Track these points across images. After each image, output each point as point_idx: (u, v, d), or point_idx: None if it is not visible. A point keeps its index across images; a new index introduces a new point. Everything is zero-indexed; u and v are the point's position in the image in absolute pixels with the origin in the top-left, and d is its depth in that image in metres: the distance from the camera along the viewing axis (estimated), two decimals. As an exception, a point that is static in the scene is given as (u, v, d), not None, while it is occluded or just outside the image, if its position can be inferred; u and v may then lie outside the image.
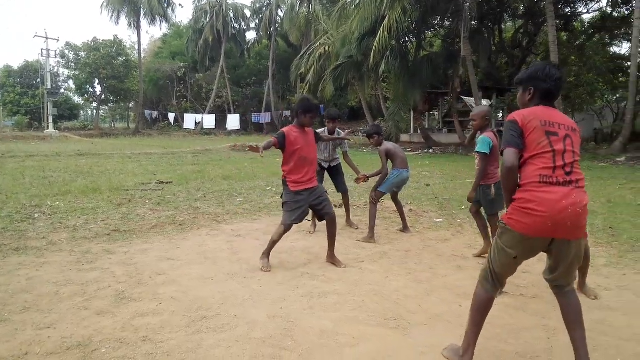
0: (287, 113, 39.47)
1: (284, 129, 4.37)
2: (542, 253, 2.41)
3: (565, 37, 23.43)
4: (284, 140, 4.21)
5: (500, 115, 23.91)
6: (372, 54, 19.04)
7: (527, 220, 2.23)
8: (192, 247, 5.01)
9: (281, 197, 4.46)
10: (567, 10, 23.98)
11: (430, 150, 21.05)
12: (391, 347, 2.76)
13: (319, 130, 6.28)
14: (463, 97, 23.87)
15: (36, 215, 6.37)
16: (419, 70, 22.18)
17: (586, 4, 24.19)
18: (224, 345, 2.75)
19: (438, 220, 6.50)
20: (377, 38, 18.40)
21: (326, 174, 6.10)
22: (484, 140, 4.14)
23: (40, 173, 11.13)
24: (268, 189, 9.09)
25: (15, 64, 45.33)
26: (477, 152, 4.17)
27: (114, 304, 3.35)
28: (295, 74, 33.47)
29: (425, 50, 25.33)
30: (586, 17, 25.57)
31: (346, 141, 6.18)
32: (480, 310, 2.46)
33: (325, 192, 4.65)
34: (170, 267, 4.30)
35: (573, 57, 20.96)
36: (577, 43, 22.69)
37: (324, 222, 4.51)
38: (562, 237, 2.23)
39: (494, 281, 2.42)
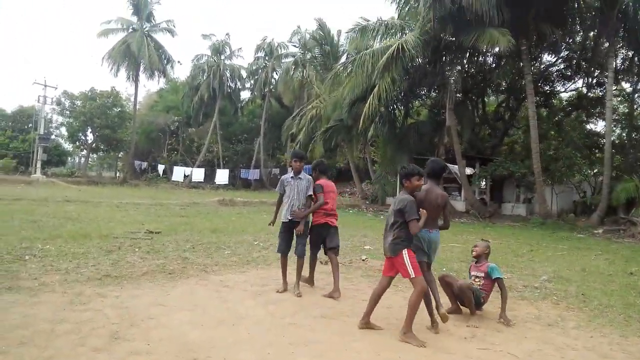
0: (276, 171, 40.08)
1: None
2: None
3: (545, 113, 24.73)
4: None
5: (484, 183, 24.69)
6: (361, 119, 19.83)
7: None
8: (182, 295, 5.16)
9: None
10: (547, 88, 25.58)
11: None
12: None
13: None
14: (448, 165, 24.73)
15: (27, 257, 6.47)
16: (405, 137, 23.16)
17: (563, 84, 25.89)
18: (215, 384, 2.90)
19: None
20: (367, 104, 19.27)
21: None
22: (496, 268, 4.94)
23: (29, 217, 11.19)
24: (255, 243, 9.27)
25: (9, 108, 45.78)
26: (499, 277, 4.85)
27: (108, 343, 3.50)
28: (286, 133, 34.46)
29: (412, 118, 26.51)
30: (564, 95, 27.30)
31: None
32: None
33: None
34: (161, 312, 4.44)
35: (552, 132, 22.02)
36: (556, 119, 23.96)
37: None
38: None
39: None
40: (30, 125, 41.55)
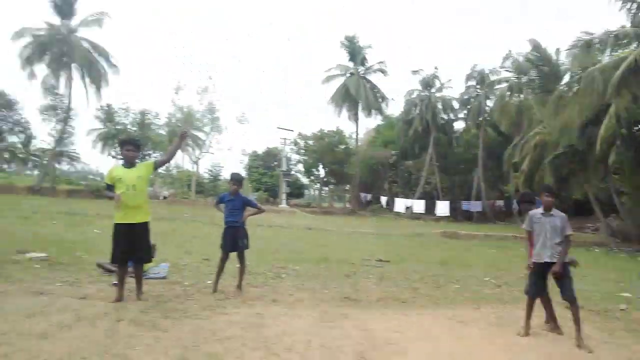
0: (501, 203, 37.80)
1: None
2: None
3: None
4: None
5: None
6: (597, 143, 17.35)
7: None
8: (416, 324, 5.25)
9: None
10: None
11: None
12: None
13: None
14: None
15: (283, 276, 7.65)
16: (660, 163, 19.15)
17: None
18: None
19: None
20: (603, 127, 16.86)
21: None
22: None
23: (281, 240, 13.20)
24: (486, 279, 8.81)
25: (260, 149, 55.44)
26: None
27: (354, 361, 3.84)
28: (508, 162, 32.35)
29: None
30: None
31: None
32: None
33: None
34: (399, 339, 4.60)
35: None
36: None
37: None
38: None
39: None
40: (275, 163, 49.26)
